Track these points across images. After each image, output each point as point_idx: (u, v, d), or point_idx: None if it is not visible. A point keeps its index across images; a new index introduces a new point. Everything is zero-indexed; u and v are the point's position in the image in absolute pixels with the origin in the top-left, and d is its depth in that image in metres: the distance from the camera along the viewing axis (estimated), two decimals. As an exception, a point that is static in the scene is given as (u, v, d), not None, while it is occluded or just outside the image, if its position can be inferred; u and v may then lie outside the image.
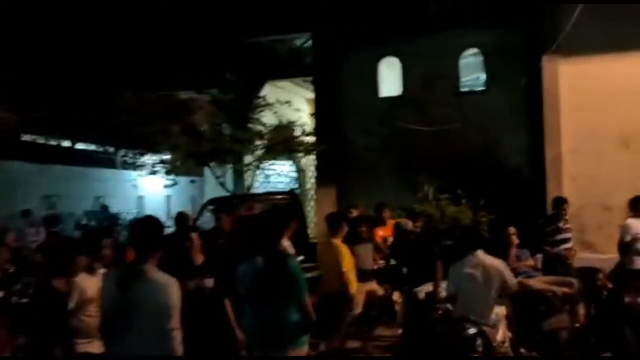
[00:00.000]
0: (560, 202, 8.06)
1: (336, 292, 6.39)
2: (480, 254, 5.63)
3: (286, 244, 6.39)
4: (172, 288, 3.43)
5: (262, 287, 4.16)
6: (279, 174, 14.13)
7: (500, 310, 5.77)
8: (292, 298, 4.13)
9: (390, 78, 12.21)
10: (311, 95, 13.72)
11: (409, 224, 8.01)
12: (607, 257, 8.90)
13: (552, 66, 10.12)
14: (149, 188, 22.28)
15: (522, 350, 6.29)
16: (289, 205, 10.10)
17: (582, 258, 9.35)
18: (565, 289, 6.69)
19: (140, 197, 23.89)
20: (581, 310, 6.72)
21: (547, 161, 10.06)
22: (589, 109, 9.80)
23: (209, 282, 4.82)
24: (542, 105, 10.18)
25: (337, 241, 6.56)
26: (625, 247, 7.49)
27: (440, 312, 5.98)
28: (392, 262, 7.97)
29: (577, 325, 6.56)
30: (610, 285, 6.88)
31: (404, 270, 7.47)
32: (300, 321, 4.12)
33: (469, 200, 10.03)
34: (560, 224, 8.00)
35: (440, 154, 10.90)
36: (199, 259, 4.85)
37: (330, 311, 6.35)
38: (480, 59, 11.49)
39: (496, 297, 5.54)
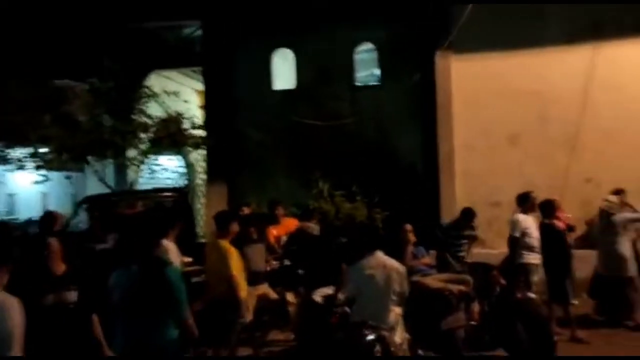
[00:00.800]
0: (469, 216, 8.02)
1: (224, 297, 5.86)
2: (380, 254, 5.34)
3: (171, 245, 5.86)
4: (11, 312, 2.76)
5: (136, 299, 3.58)
6: (165, 170, 13.23)
7: (398, 310, 5.51)
8: (171, 311, 3.57)
9: (284, 70, 11.80)
10: (201, 86, 13.01)
11: (315, 228, 7.74)
12: (497, 252, 9.03)
13: (444, 63, 10.18)
14: (22, 185, 20.33)
15: (420, 351, 6.10)
16: (175, 203, 9.40)
17: (473, 253, 9.48)
18: (462, 287, 6.61)
19: (11, 195, 21.79)
20: (476, 307, 6.69)
21: (440, 157, 10.11)
22: (480, 106, 9.96)
23: (72, 296, 4.09)
24: (436, 101, 10.21)
25: (224, 242, 6.04)
26: (514, 242, 7.58)
27: (337, 316, 5.65)
28: (287, 262, 7.57)
29: (473, 323, 6.51)
30: (503, 282, 6.89)
31: (300, 271, 7.09)
32: (180, 338, 3.57)
33: (363, 197, 9.86)
34: (465, 233, 8.00)
35: (336, 150, 10.66)
36: (60, 268, 4.11)
37: (218, 318, 5.84)
38: (375, 53, 11.37)
39: (395, 300, 5.27)
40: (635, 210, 8.03)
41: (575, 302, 7.67)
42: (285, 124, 11.13)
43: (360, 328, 5.06)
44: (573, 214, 8.57)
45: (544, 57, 9.72)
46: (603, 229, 7.88)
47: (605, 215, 7.88)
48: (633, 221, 7.87)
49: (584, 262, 8.17)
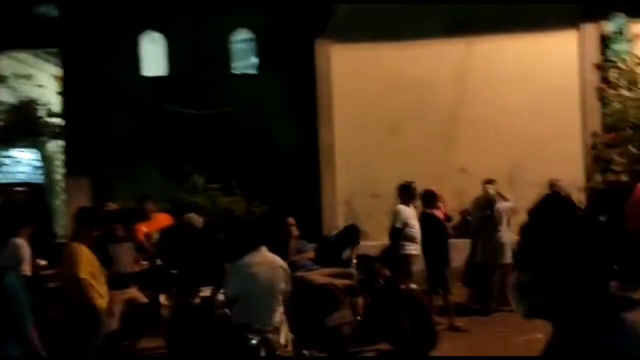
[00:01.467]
0: (354, 236, 7.62)
1: (79, 304, 5.12)
2: (265, 250, 4.92)
3: (23, 245, 5.46)
4: None
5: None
6: (19, 163, 11.82)
7: (281, 309, 5.12)
8: (9, 327, 2.90)
9: (154, 56, 10.94)
10: (58, 70, 11.73)
11: (199, 221, 7.13)
12: (378, 243, 8.98)
13: (324, 52, 9.95)
14: None
15: (305, 351, 5.78)
16: (29, 199, 8.38)
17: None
18: (346, 281, 6.39)
19: None
20: (360, 301, 6.52)
21: (321, 148, 9.88)
22: (360, 96, 9.85)
23: None
24: (316, 91, 9.96)
25: (75, 243, 5.26)
26: (396, 233, 7.52)
27: (218, 318, 5.18)
28: (159, 262, 6.93)
29: (358, 318, 6.31)
30: (387, 273, 6.78)
31: (173, 271, 6.49)
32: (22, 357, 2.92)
33: (241, 190, 9.38)
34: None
35: (211, 141, 10.05)
36: None
37: (76, 328, 5.11)
38: (252, 40, 10.89)
39: (280, 299, 4.89)
40: (507, 200, 8.32)
41: (454, 291, 7.81)
42: (156, 112, 10.31)
43: (244, 331, 4.62)
44: (448, 204, 8.71)
45: (423, 48, 9.82)
46: (484, 218, 8.07)
47: (487, 204, 8.08)
48: (512, 210, 8.14)
49: (459, 251, 8.33)
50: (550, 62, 9.70)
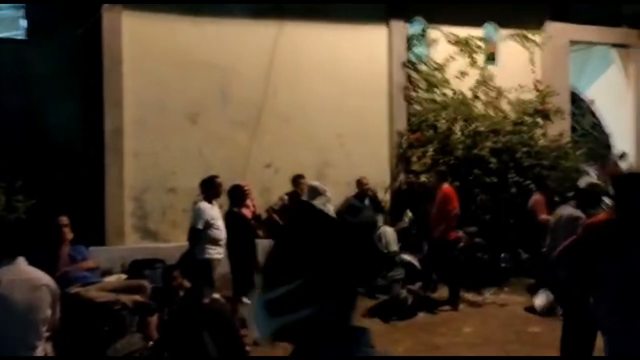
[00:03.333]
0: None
1: None
2: (22, 263, 3.51)
3: None
4: None
5: None
6: None
7: (42, 346, 3.74)
8: None
9: None
10: None
11: None
12: (173, 245, 7.82)
13: (113, 20, 8.34)
14: None
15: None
16: None
17: (144, 248, 8.07)
18: (136, 297, 5.16)
19: None
20: (154, 321, 5.33)
21: (106, 134, 8.25)
22: (156, 76, 8.45)
23: None
24: (102, 67, 8.31)
25: None
26: (196, 235, 6.48)
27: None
28: None
29: (151, 343, 5.11)
30: (186, 284, 5.69)
31: None
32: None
33: (1, 181, 7.41)
34: None
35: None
36: None
37: None
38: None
39: (43, 331, 3.53)
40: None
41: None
42: None
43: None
44: (255, 200, 7.89)
45: (229, 29, 8.78)
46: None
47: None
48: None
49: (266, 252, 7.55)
50: (361, 57, 9.42)
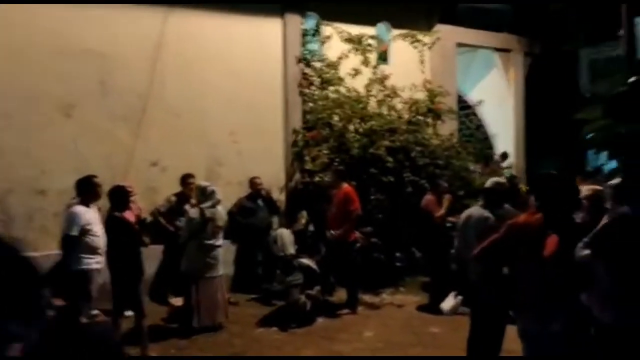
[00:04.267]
0: None
1: None
2: None
3: None
4: None
5: None
6: None
7: None
8: None
9: None
10: None
11: None
12: (40, 254, 6.88)
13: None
14: None
15: None
16: None
17: None
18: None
19: None
20: (17, 350, 4.53)
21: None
22: (25, 63, 7.35)
23: None
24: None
25: None
26: (71, 243, 5.69)
27: None
28: None
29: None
30: (58, 302, 4.93)
31: None
32: None
33: None
34: None
35: None
36: None
37: None
38: None
39: None
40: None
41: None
42: None
43: None
44: (140, 202, 7.18)
45: (110, 13, 7.90)
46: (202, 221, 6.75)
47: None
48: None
49: (151, 260, 6.90)
50: (256, 50, 8.94)
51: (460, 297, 4.72)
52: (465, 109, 13.04)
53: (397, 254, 9.04)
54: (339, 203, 7.32)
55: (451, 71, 11.47)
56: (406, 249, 9.08)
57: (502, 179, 4.87)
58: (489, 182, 4.76)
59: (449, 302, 4.76)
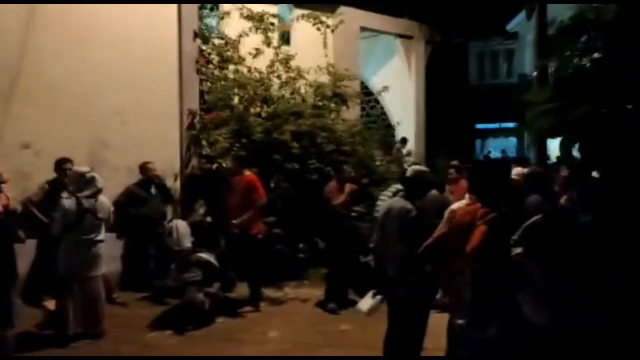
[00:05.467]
0: None
1: None
2: None
3: None
4: None
5: None
6: None
7: None
8: None
9: None
10: None
11: None
12: None
13: None
14: None
15: None
16: None
17: None
18: None
19: None
20: None
21: None
22: None
23: None
24: None
25: None
26: None
27: None
28: None
29: None
30: None
31: None
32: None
33: None
34: None
35: None
36: None
37: None
38: None
39: None
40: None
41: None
42: None
43: None
44: (10, 190, 6.14)
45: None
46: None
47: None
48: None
49: (23, 257, 5.94)
50: (147, 22, 8.01)
51: (379, 297, 4.33)
52: (368, 95, 12.85)
53: (301, 245, 8.61)
54: (242, 191, 6.76)
55: (354, 55, 11.20)
56: (310, 240, 8.68)
57: (423, 167, 4.51)
58: (410, 171, 4.40)
59: (367, 302, 4.37)
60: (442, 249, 3.47)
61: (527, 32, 27.47)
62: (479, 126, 27.91)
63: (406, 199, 4.32)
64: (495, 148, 28.69)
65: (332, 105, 9.61)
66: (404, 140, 12.33)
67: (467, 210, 3.42)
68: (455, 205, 4.00)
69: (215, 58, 8.94)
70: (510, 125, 28.94)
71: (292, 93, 9.20)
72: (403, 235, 4.15)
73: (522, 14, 26.12)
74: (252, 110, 8.57)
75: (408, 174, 4.42)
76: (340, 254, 7.10)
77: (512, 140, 29.24)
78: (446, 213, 3.93)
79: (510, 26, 26.91)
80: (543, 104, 3.32)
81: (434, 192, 4.69)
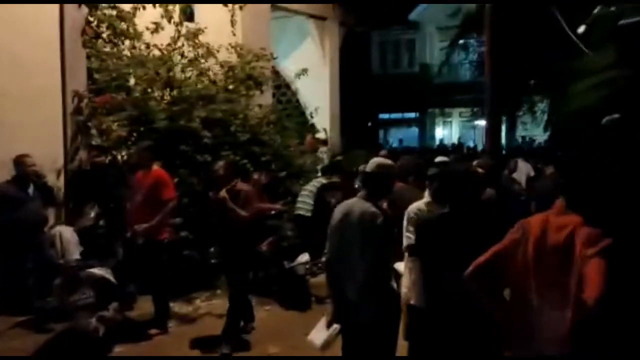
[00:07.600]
0: None
1: None
2: None
3: None
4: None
5: None
6: None
7: None
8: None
9: None
10: None
11: None
12: None
13: None
14: None
15: None
16: None
17: None
18: None
19: None
20: None
21: None
22: None
23: None
24: None
25: None
26: None
27: None
28: None
29: None
30: None
31: None
32: None
33: None
34: None
35: None
36: None
37: None
38: None
39: None
40: None
41: None
42: None
43: None
44: None
45: None
46: None
47: None
48: None
49: None
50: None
51: (335, 326, 3.42)
52: (279, 80, 11.96)
53: (212, 249, 7.58)
54: (148, 190, 5.68)
55: (265, 36, 10.27)
56: (221, 242, 7.66)
57: (386, 160, 3.64)
58: (371, 165, 3.52)
59: (320, 334, 3.45)
60: (500, 271, 2.57)
61: (428, 22, 28.07)
62: (382, 116, 28.19)
63: (367, 200, 3.44)
64: (395, 138, 29.05)
65: (244, 89, 8.63)
66: (316, 130, 11.58)
67: (561, 224, 2.48)
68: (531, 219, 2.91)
69: (106, 32, 7.64)
70: (412, 115, 29.60)
71: (199, 74, 8.08)
72: (367, 247, 3.28)
73: (423, 4, 26.64)
74: (152, 93, 7.38)
75: (369, 169, 3.55)
76: (238, 263, 5.83)
77: (414, 130, 29.77)
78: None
79: (412, 16, 27.24)
80: (602, 71, 2.54)
81: (400, 184, 3.88)
